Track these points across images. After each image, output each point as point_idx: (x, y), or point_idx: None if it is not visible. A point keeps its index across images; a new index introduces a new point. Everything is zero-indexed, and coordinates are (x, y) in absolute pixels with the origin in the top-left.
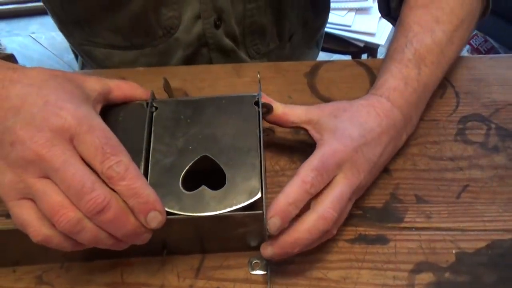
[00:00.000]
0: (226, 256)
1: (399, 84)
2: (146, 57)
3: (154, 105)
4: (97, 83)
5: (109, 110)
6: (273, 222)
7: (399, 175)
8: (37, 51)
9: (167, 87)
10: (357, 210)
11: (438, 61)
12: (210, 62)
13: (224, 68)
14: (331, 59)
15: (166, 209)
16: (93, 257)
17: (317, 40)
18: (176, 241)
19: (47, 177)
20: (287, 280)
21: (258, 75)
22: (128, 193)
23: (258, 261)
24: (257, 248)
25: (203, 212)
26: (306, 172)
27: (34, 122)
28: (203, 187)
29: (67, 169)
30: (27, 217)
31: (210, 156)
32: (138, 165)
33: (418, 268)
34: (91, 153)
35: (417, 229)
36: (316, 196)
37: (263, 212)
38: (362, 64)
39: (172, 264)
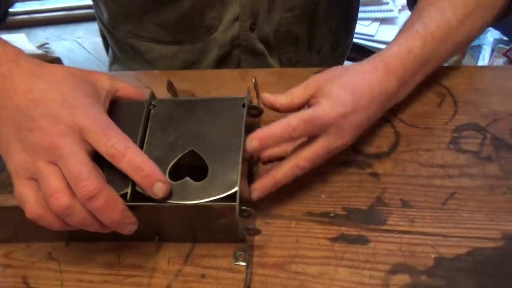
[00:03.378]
0: (214, 246)
1: (402, 51)
2: (184, 54)
3: (153, 103)
4: (107, 82)
5: (114, 107)
6: (252, 143)
7: (387, 180)
8: (81, 55)
9: (170, 88)
10: (342, 211)
11: (445, 37)
12: (239, 63)
13: (231, 73)
14: None
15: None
16: (96, 239)
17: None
18: (168, 229)
19: (54, 163)
20: (267, 272)
21: (253, 80)
22: (131, 168)
23: (242, 253)
24: (243, 241)
25: (185, 201)
26: (294, 118)
27: (52, 115)
28: (187, 178)
29: (71, 157)
30: (27, 195)
31: (197, 151)
32: None
33: (395, 270)
34: (96, 139)
35: (398, 232)
36: (296, 147)
37: (236, 204)
38: None
39: (165, 250)
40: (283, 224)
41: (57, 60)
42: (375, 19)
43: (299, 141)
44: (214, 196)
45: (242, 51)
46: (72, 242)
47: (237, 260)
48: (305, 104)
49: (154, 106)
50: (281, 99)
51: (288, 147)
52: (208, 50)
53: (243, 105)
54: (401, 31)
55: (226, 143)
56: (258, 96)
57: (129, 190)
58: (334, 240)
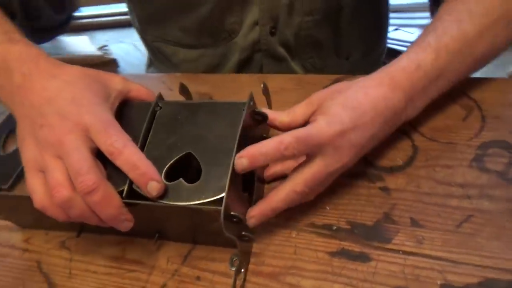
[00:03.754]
0: (213, 249)
1: (410, 65)
2: (207, 57)
3: (160, 105)
4: (119, 83)
5: (125, 107)
6: (240, 161)
7: (398, 196)
8: (137, 58)
9: (183, 91)
10: (345, 224)
11: (461, 51)
12: (261, 68)
13: (250, 78)
14: None
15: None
16: (104, 231)
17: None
18: (167, 229)
19: (60, 158)
20: (261, 281)
21: (262, 85)
22: (127, 166)
23: (237, 258)
24: (235, 246)
25: (177, 201)
26: (287, 136)
27: (62, 113)
28: (181, 180)
29: (75, 154)
30: (35, 186)
31: (194, 154)
32: None
33: None
34: (97, 137)
35: (404, 252)
36: (294, 170)
37: (221, 209)
38: None
39: (166, 248)
40: (283, 233)
41: (113, 62)
42: (420, 27)
43: (301, 159)
44: (204, 199)
45: (264, 55)
46: (83, 233)
47: (232, 265)
48: (307, 122)
49: (160, 107)
50: (282, 117)
51: (292, 164)
52: (230, 54)
53: (247, 108)
54: (413, 43)
55: (223, 147)
56: (268, 102)
57: (125, 188)
58: (333, 254)
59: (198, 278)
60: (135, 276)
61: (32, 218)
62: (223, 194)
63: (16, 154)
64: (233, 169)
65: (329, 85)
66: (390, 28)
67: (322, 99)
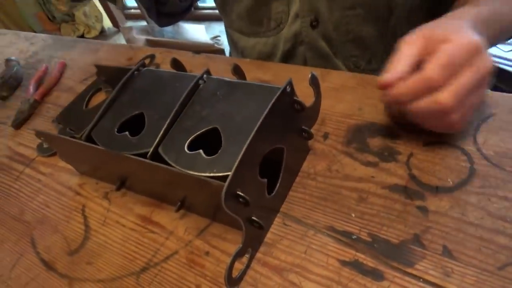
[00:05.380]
0: (228, 230)
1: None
2: (261, 46)
3: (204, 79)
4: None
5: (173, 78)
6: (385, 76)
7: (436, 219)
8: None
9: (236, 71)
10: (367, 236)
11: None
12: (305, 61)
13: (313, 71)
14: None
15: (166, 159)
16: (141, 191)
17: None
18: (190, 199)
19: None
20: (264, 272)
21: (309, 75)
22: None
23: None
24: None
25: (191, 171)
26: (429, 70)
27: None
28: (200, 151)
29: None
30: None
31: (219, 129)
32: (165, 119)
33: None
34: None
35: (425, 281)
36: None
37: (224, 184)
38: None
39: (187, 219)
40: (300, 230)
41: (221, 51)
42: None
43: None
44: (216, 173)
45: (307, 48)
46: (124, 189)
47: None
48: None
49: (204, 82)
50: (393, 72)
51: None
52: (279, 44)
53: (280, 93)
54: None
55: (247, 128)
56: (316, 93)
57: (151, 150)
58: (344, 264)
59: (207, 253)
60: (154, 237)
61: (89, 167)
62: (228, 173)
63: (94, 110)
64: (247, 150)
65: None
66: (506, 48)
67: (425, 41)
